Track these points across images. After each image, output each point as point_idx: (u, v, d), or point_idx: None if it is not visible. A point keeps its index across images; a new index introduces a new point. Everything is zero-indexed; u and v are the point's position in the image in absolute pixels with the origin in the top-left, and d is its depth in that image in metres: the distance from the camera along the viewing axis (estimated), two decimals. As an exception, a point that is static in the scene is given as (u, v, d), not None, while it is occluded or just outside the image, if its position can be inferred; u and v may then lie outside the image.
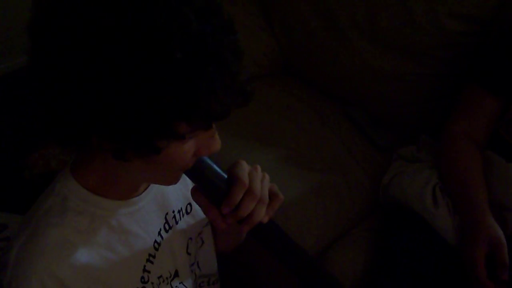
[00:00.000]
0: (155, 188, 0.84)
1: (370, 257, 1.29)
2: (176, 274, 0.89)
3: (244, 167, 0.75)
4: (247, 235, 0.84)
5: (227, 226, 0.74)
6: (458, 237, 1.17)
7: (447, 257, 1.16)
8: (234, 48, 0.62)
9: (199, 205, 0.78)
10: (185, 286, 0.91)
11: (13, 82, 1.90)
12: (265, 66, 1.77)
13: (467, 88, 1.31)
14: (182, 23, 0.58)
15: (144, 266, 0.82)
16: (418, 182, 1.26)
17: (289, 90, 1.73)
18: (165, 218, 0.87)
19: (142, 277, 0.82)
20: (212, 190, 0.74)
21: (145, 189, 0.82)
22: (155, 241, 0.85)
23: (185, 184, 0.91)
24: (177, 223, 0.90)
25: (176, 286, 0.89)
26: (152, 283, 0.84)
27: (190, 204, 0.93)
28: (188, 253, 0.92)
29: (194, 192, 0.77)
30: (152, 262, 0.84)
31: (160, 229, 0.86)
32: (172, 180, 0.76)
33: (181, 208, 0.91)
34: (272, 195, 0.76)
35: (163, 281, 0.86)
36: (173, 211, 0.89)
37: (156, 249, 0.84)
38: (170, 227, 0.88)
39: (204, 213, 0.77)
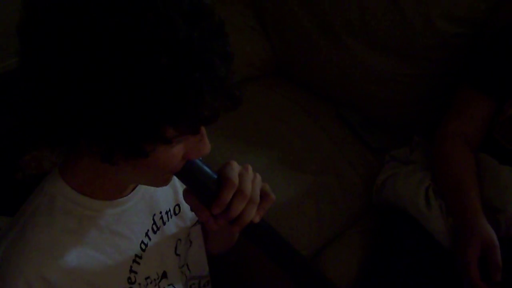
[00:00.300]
0: (143, 189, 0.84)
1: (363, 258, 1.29)
2: (164, 276, 0.89)
3: (234, 167, 0.74)
4: (239, 237, 0.83)
5: (219, 228, 0.74)
6: (451, 239, 1.16)
7: (440, 259, 1.16)
8: (222, 52, 0.62)
9: (191, 207, 0.78)
10: (174, 287, 0.91)
11: (5, 84, 1.89)
12: (258, 67, 1.77)
13: (460, 90, 1.31)
14: (168, 27, 0.58)
15: (131, 266, 0.82)
16: (411, 184, 1.26)
17: (282, 92, 1.73)
18: (153, 219, 0.87)
19: (129, 278, 0.82)
20: (202, 192, 0.74)
21: (133, 189, 0.82)
22: (142, 242, 0.84)
23: (174, 185, 0.91)
24: (164, 224, 0.89)
25: None
26: (139, 284, 0.83)
27: (178, 205, 0.93)
28: (177, 254, 0.92)
29: (185, 194, 0.76)
30: (138, 263, 0.83)
31: (148, 230, 0.86)
32: (161, 182, 0.76)
33: (169, 209, 0.91)
34: (263, 195, 0.76)
35: (151, 282, 0.86)
36: (161, 212, 0.89)
37: (143, 250, 0.84)
38: (158, 228, 0.88)
39: (196, 215, 0.77)
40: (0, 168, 1.82)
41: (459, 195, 1.17)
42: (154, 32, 0.57)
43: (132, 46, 0.57)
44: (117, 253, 0.80)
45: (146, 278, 0.85)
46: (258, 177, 0.76)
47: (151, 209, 0.87)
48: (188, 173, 0.73)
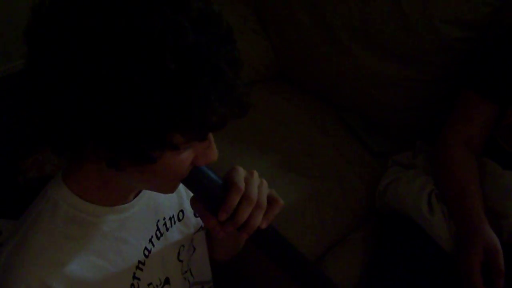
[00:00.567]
0: (147, 195, 0.83)
1: (366, 263, 1.28)
2: (167, 282, 0.89)
3: (240, 173, 0.74)
4: (246, 242, 0.82)
5: (226, 235, 0.73)
6: (453, 244, 1.16)
7: (443, 264, 1.16)
8: (231, 58, 0.61)
9: (198, 215, 0.77)
10: (176, 294, 0.91)
11: (7, 87, 1.89)
12: (260, 71, 1.77)
13: (462, 94, 1.31)
14: (176, 33, 0.57)
15: (134, 273, 0.82)
16: (414, 189, 1.25)
17: (284, 96, 1.73)
18: (157, 225, 0.87)
19: (132, 285, 0.81)
20: (208, 198, 0.73)
21: (137, 195, 0.82)
22: (145, 248, 0.84)
23: (178, 191, 0.91)
24: (168, 230, 0.89)
25: None
26: None
27: (182, 211, 0.92)
28: (180, 260, 0.92)
29: (192, 201, 0.76)
30: (142, 270, 0.83)
31: (152, 236, 0.85)
32: (168, 189, 0.76)
33: (173, 215, 0.91)
34: (271, 200, 0.75)
35: None
36: (164, 218, 0.88)
37: (146, 256, 0.84)
38: (161, 234, 0.87)
39: (203, 222, 0.77)
40: (1, 171, 1.82)
41: (461, 201, 1.17)
42: (162, 37, 0.56)
43: (139, 51, 0.56)
44: (120, 260, 0.79)
45: (149, 284, 0.84)
46: (265, 182, 0.75)
47: (155, 215, 0.86)
48: (194, 179, 0.72)
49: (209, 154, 0.70)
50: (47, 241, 0.72)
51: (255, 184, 0.73)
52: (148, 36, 0.56)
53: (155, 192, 0.81)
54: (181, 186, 0.77)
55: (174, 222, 0.90)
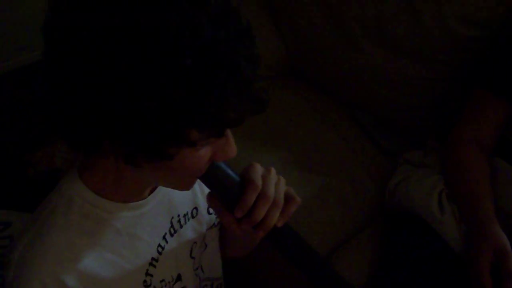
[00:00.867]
0: (162, 191, 0.83)
1: (375, 262, 1.28)
2: (179, 278, 0.89)
3: (257, 170, 0.73)
4: (260, 240, 0.82)
5: (242, 232, 0.73)
6: (463, 244, 1.16)
7: (452, 264, 1.15)
8: (249, 55, 0.61)
9: (215, 211, 0.77)
10: (187, 289, 0.91)
11: (17, 80, 1.90)
12: (272, 67, 1.77)
13: (474, 93, 1.30)
14: (194, 28, 0.57)
15: (147, 270, 0.82)
16: (424, 188, 1.25)
17: (295, 92, 1.72)
18: (171, 222, 0.87)
19: (145, 281, 0.82)
20: (225, 195, 0.73)
21: (151, 192, 0.82)
22: (159, 245, 0.84)
23: (192, 188, 0.91)
24: (182, 227, 0.89)
25: None
26: (154, 286, 0.83)
27: (196, 208, 0.92)
28: (192, 257, 0.92)
29: (209, 198, 0.76)
30: (154, 266, 0.83)
31: (166, 233, 0.85)
32: (185, 185, 0.76)
33: (187, 212, 0.91)
34: (288, 198, 0.74)
35: (166, 285, 0.86)
36: (179, 215, 0.88)
37: (160, 253, 0.84)
38: (175, 231, 0.87)
39: (220, 219, 0.76)
40: (11, 163, 1.83)
41: (472, 201, 1.17)
42: (179, 32, 0.56)
43: (156, 46, 0.56)
44: (134, 256, 0.79)
45: (161, 281, 0.85)
46: (282, 180, 0.75)
47: (170, 212, 0.86)
48: (211, 176, 0.72)
49: (228, 150, 0.69)
50: (62, 236, 0.72)
51: (272, 182, 0.73)
52: (166, 31, 0.56)
53: (170, 189, 0.81)
54: (196, 183, 0.77)
55: (188, 219, 0.90)
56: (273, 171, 0.74)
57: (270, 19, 1.79)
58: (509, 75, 1.24)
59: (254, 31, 0.64)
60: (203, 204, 0.93)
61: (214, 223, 0.96)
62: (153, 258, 0.83)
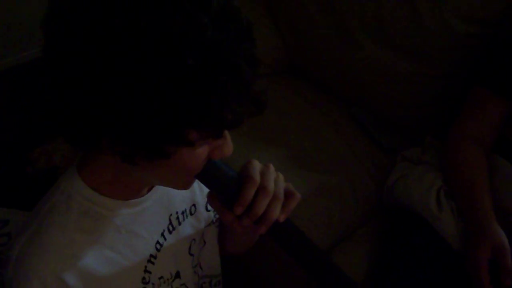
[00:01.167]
0: (160, 189, 0.83)
1: (373, 259, 1.29)
2: (178, 275, 0.89)
3: (255, 166, 0.73)
4: (261, 237, 0.81)
5: (244, 229, 0.73)
6: (462, 241, 1.16)
7: (451, 261, 1.16)
8: (249, 56, 0.61)
9: (215, 210, 0.77)
10: (186, 287, 0.91)
11: (16, 77, 1.89)
12: (270, 65, 1.76)
13: (473, 91, 1.30)
14: (196, 29, 0.57)
15: (145, 266, 0.82)
16: (423, 185, 1.25)
17: (294, 90, 1.72)
18: (169, 219, 0.87)
19: (143, 278, 0.82)
20: (224, 192, 0.73)
21: (150, 189, 0.82)
22: (157, 242, 0.84)
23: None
24: (180, 224, 0.89)
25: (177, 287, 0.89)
26: (153, 283, 0.83)
27: (194, 205, 0.92)
28: (191, 254, 0.92)
29: (209, 197, 0.76)
30: (153, 263, 0.83)
31: (164, 230, 0.85)
32: (183, 185, 0.76)
33: (185, 209, 0.91)
34: (288, 194, 0.74)
35: (164, 282, 0.86)
36: (177, 212, 0.88)
37: (158, 250, 0.84)
38: (173, 228, 0.87)
39: (221, 218, 0.76)
40: (11, 161, 1.83)
41: (470, 198, 1.17)
42: (181, 32, 0.56)
43: (157, 45, 0.56)
44: (133, 253, 0.80)
45: (160, 278, 0.85)
46: (281, 176, 0.74)
47: (168, 209, 0.86)
48: (209, 174, 0.72)
49: (225, 148, 0.69)
50: (61, 234, 0.72)
51: (271, 177, 0.72)
52: (167, 31, 0.56)
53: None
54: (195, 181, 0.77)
55: (187, 216, 0.91)
56: (272, 167, 0.74)
57: (268, 17, 1.79)
58: (508, 73, 1.24)
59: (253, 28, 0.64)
60: (201, 201, 0.93)
61: (212, 220, 0.96)
62: (151, 255, 0.83)
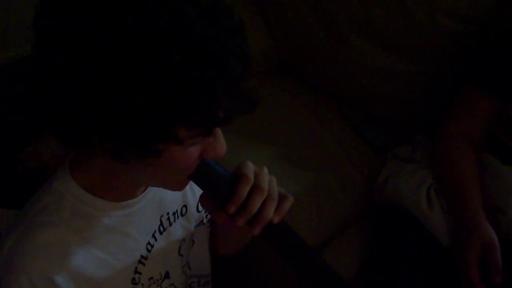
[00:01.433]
0: (153, 190, 0.83)
1: (363, 257, 1.29)
2: (167, 276, 0.89)
3: (249, 166, 0.73)
4: (255, 238, 0.80)
5: (238, 230, 0.72)
6: (452, 239, 1.16)
7: (441, 259, 1.16)
8: (239, 52, 0.60)
9: (208, 212, 0.77)
10: (175, 287, 0.91)
11: (5, 76, 1.88)
12: (260, 62, 1.76)
13: (463, 88, 1.31)
14: (183, 24, 0.57)
15: (136, 267, 0.82)
16: (413, 183, 1.26)
17: (283, 87, 1.72)
18: (160, 220, 0.86)
19: (133, 279, 0.81)
20: (217, 192, 0.72)
21: (143, 191, 0.81)
22: (148, 243, 0.84)
23: None
24: (171, 225, 0.89)
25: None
26: (143, 284, 0.83)
27: (185, 206, 0.92)
28: (180, 255, 0.92)
29: (202, 198, 0.76)
30: (143, 264, 0.83)
31: (155, 231, 0.85)
32: (176, 185, 0.75)
33: (177, 210, 0.90)
34: (280, 196, 0.73)
35: (154, 282, 0.86)
36: (168, 213, 0.88)
37: (149, 251, 0.84)
38: (164, 229, 0.87)
39: (214, 219, 0.75)
40: (0, 160, 1.82)
41: (460, 195, 1.17)
42: (168, 28, 0.56)
43: (144, 41, 0.56)
44: (123, 254, 0.79)
45: (150, 279, 0.84)
46: (274, 179, 0.74)
47: (159, 210, 0.86)
48: (202, 174, 0.71)
49: (217, 148, 0.69)
50: (51, 234, 0.71)
51: (265, 177, 0.72)
52: (154, 26, 0.56)
53: (160, 188, 0.81)
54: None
55: (177, 217, 0.90)
56: (265, 169, 0.74)
57: (258, 14, 1.79)
58: (497, 71, 1.25)
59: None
60: (192, 202, 0.93)
61: (202, 221, 0.96)
62: (142, 256, 0.83)
